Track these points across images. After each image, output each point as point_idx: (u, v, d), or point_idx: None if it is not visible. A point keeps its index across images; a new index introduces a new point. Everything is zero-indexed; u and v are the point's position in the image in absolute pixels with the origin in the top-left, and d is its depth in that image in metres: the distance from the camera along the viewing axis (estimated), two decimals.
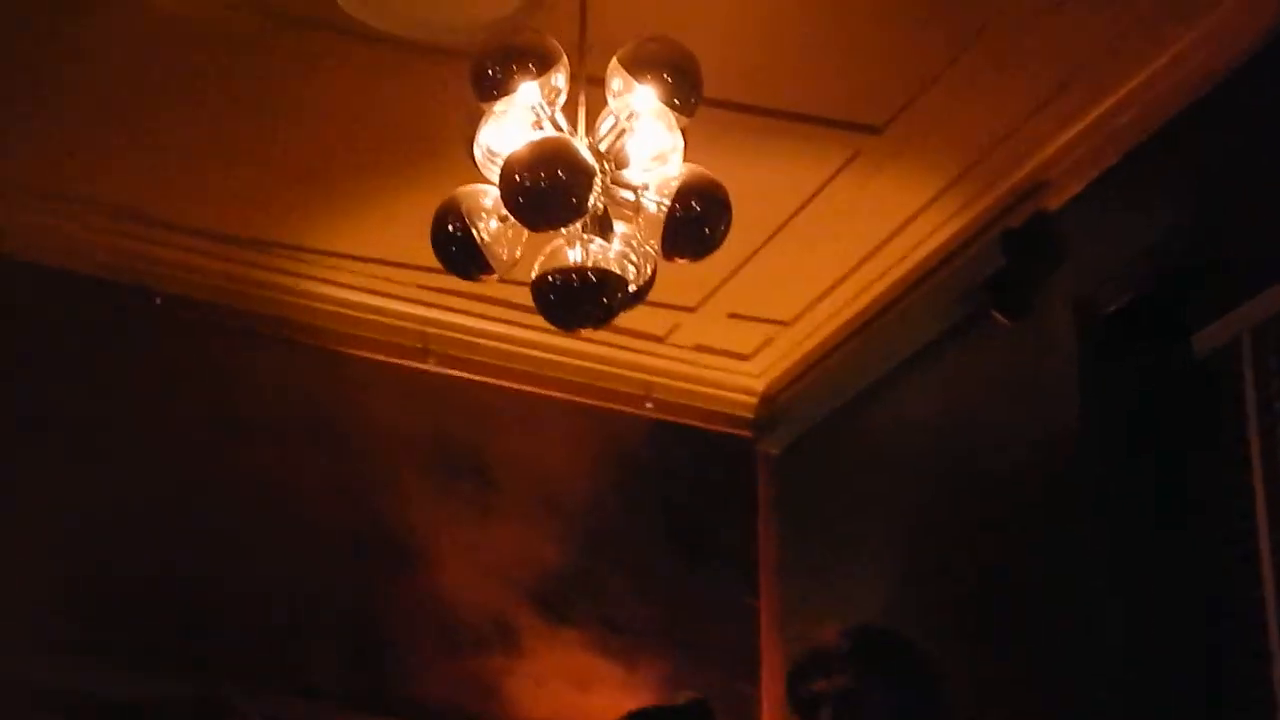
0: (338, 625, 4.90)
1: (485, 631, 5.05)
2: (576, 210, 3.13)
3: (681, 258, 3.28)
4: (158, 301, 4.97)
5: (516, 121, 3.22)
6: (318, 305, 5.13)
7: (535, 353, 5.34)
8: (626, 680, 5.07)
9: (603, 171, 3.18)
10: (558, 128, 3.23)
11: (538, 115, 3.20)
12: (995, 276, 4.50)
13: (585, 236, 3.25)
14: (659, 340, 5.41)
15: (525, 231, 3.27)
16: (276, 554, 4.87)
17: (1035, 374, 4.42)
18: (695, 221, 3.19)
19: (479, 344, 5.30)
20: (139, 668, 4.53)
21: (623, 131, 3.21)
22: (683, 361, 5.52)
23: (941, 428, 4.83)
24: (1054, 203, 4.42)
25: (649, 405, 5.53)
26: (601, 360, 5.44)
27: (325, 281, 5.11)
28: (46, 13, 4.05)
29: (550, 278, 3.26)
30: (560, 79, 3.20)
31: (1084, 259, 4.29)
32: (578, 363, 5.42)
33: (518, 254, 3.35)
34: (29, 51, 4.17)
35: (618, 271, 3.28)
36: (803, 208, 4.69)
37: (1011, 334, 4.48)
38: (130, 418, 4.85)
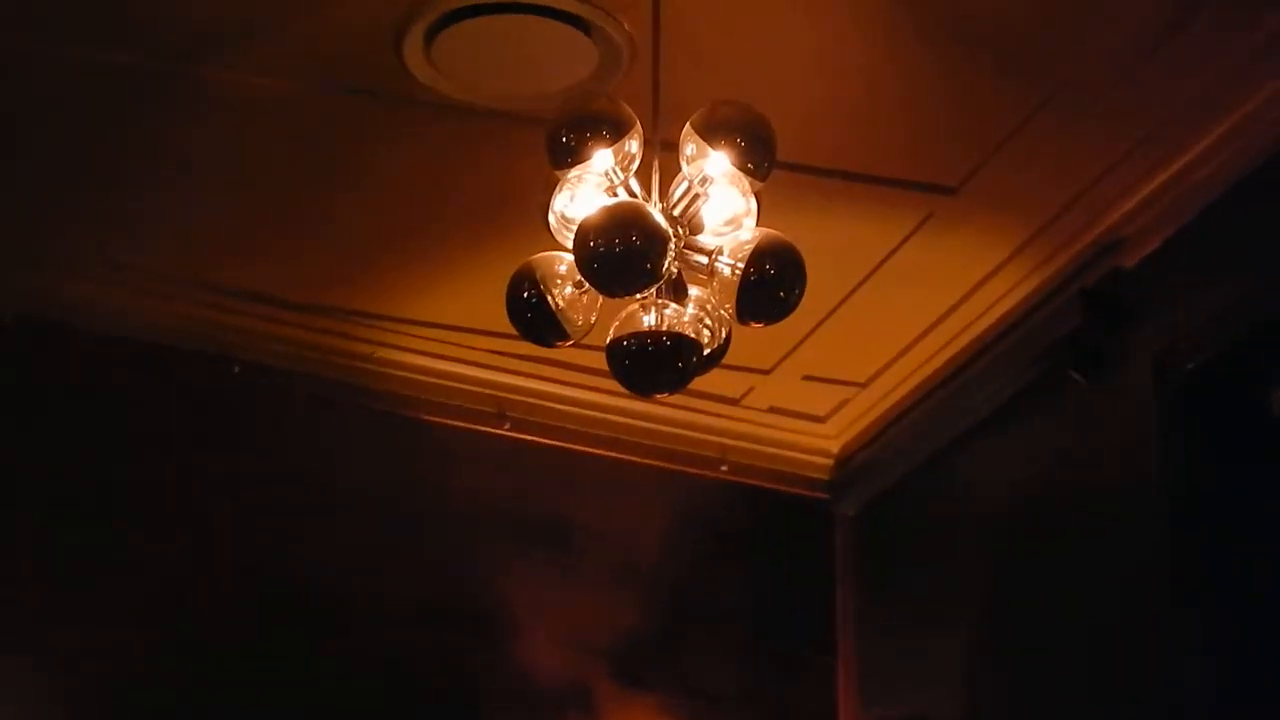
0: (420, 691, 4.90)
1: (563, 696, 5.05)
2: (651, 275, 3.13)
3: (756, 321, 3.27)
4: (236, 370, 5.01)
5: (590, 188, 3.23)
6: (395, 372, 5.16)
7: (611, 417, 5.36)
8: None
9: (677, 236, 3.19)
10: (631, 193, 3.24)
11: (611, 181, 3.21)
12: (1072, 336, 4.49)
13: (660, 301, 3.26)
14: (734, 403, 5.42)
15: (600, 297, 3.29)
16: (357, 622, 4.89)
17: (1113, 433, 4.39)
18: (769, 285, 3.19)
19: (555, 409, 5.32)
20: None
21: (696, 196, 3.22)
22: (758, 424, 5.52)
23: (1018, 488, 4.81)
24: (1130, 260, 4.40)
25: (724, 468, 5.53)
26: (677, 424, 5.45)
27: (402, 349, 5.14)
28: (133, 96, 4.10)
29: (625, 343, 3.26)
30: (634, 145, 3.21)
31: (1161, 317, 4.27)
32: (654, 426, 5.43)
33: (593, 319, 3.36)
34: (106, 130, 4.23)
35: (692, 336, 3.28)
36: (877, 269, 4.69)
37: (1088, 393, 4.47)
38: (207, 487, 4.88)
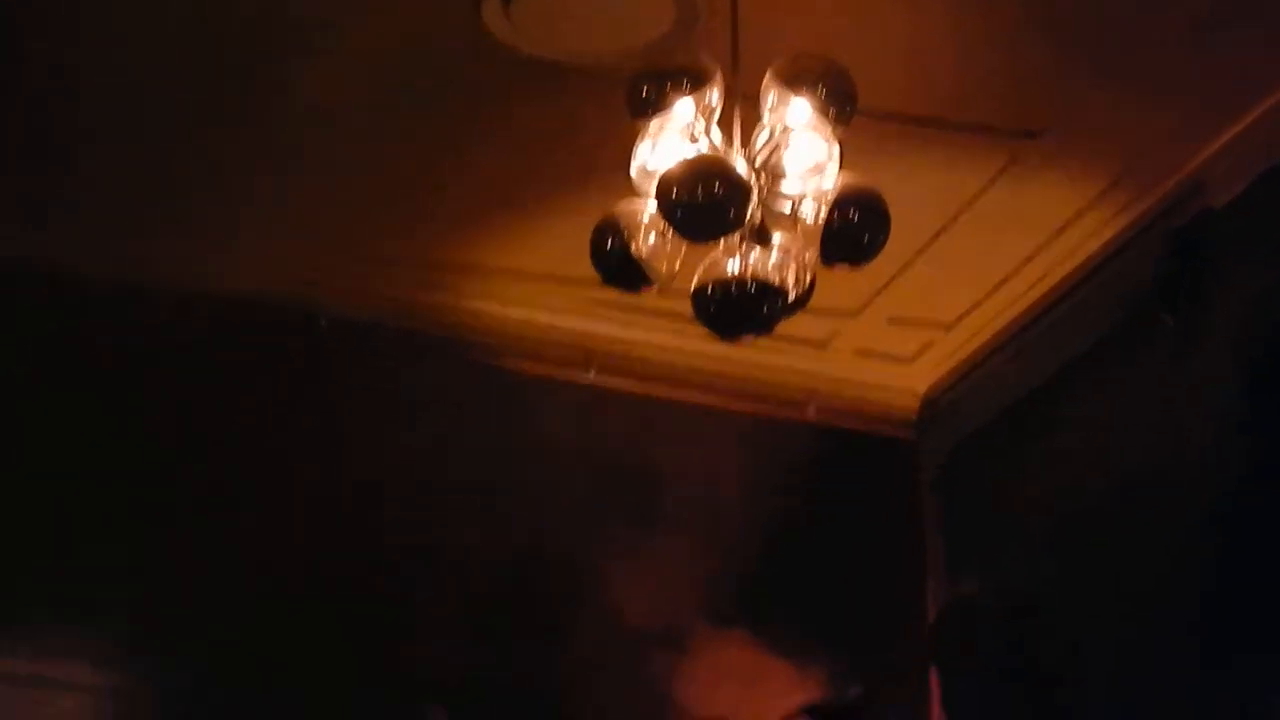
0: (511, 637, 4.96)
1: (653, 637, 5.08)
2: (733, 224, 3.16)
3: (840, 265, 3.29)
4: (323, 324, 5.06)
5: (672, 138, 3.26)
6: (482, 323, 5.19)
7: (697, 362, 5.37)
8: (795, 679, 5.07)
9: (759, 185, 3.21)
10: (713, 143, 3.26)
11: (693, 132, 3.24)
12: (1159, 278, 4.47)
13: (744, 247, 3.28)
14: (820, 346, 5.42)
15: (683, 244, 3.31)
16: (445, 571, 4.94)
17: (1202, 375, 4.37)
18: (853, 230, 3.21)
19: (641, 355, 5.34)
20: (320, 680, 4.62)
21: (778, 145, 3.23)
22: (844, 367, 5.52)
23: (1104, 430, 4.79)
24: (1219, 201, 4.37)
25: (810, 411, 5.54)
26: (763, 368, 5.46)
27: (489, 299, 5.17)
28: (241, 46, 4.15)
29: (710, 289, 3.29)
30: (714, 96, 3.23)
31: (1251, 257, 4.24)
32: (739, 371, 5.44)
33: (677, 266, 3.39)
34: (218, 83, 4.28)
35: (776, 281, 3.30)
36: (961, 213, 4.68)
37: (1177, 336, 4.44)
38: (293, 442, 4.93)
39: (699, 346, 5.25)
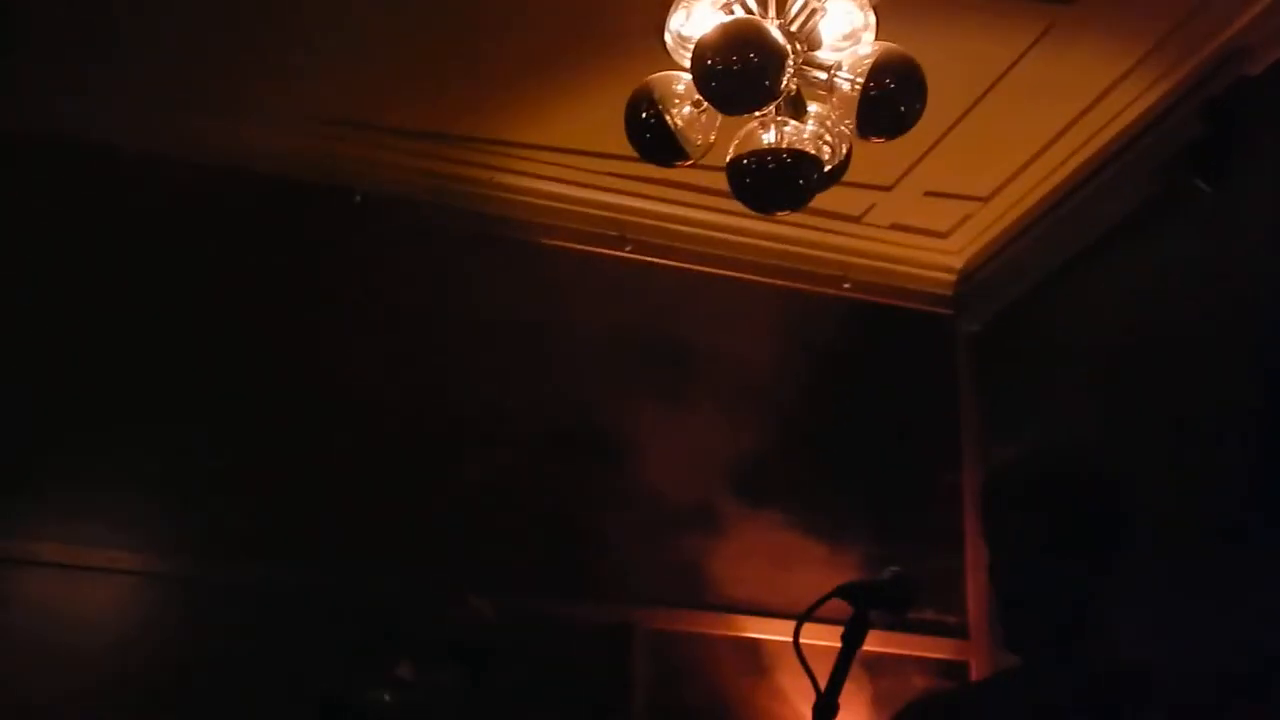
0: (544, 515, 4.96)
1: (687, 515, 5.10)
2: (769, 93, 3.14)
3: (876, 136, 3.27)
4: (357, 200, 5.05)
5: (707, 6, 3.23)
6: (515, 198, 5.17)
7: (732, 237, 5.35)
8: (829, 559, 5.10)
9: (795, 53, 3.18)
10: (748, 10, 3.23)
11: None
12: (1196, 145, 4.43)
13: (779, 119, 3.26)
14: (855, 220, 5.40)
15: (719, 116, 3.29)
16: (480, 447, 4.95)
17: (1239, 241, 4.34)
18: (889, 99, 3.19)
19: (675, 230, 5.33)
20: (362, 561, 4.66)
21: (814, 11, 3.21)
22: (879, 241, 5.50)
23: (1144, 300, 4.77)
24: (1256, 68, 4.32)
25: (846, 286, 5.52)
26: (798, 242, 5.44)
27: (522, 174, 5.15)
28: None
29: (745, 161, 3.28)
30: None
31: None
32: (774, 245, 5.43)
33: (711, 138, 3.37)
34: None
35: (812, 152, 3.29)
36: (997, 82, 4.64)
37: (1214, 203, 4.41)
38: (328, 317, 4.91)
39: (734, 221, 5.24)
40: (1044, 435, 4.91)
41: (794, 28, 3.21)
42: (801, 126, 3.33)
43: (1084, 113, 4.76)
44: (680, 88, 3.30)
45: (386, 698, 3.40)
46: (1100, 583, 2.81)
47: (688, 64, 3.19)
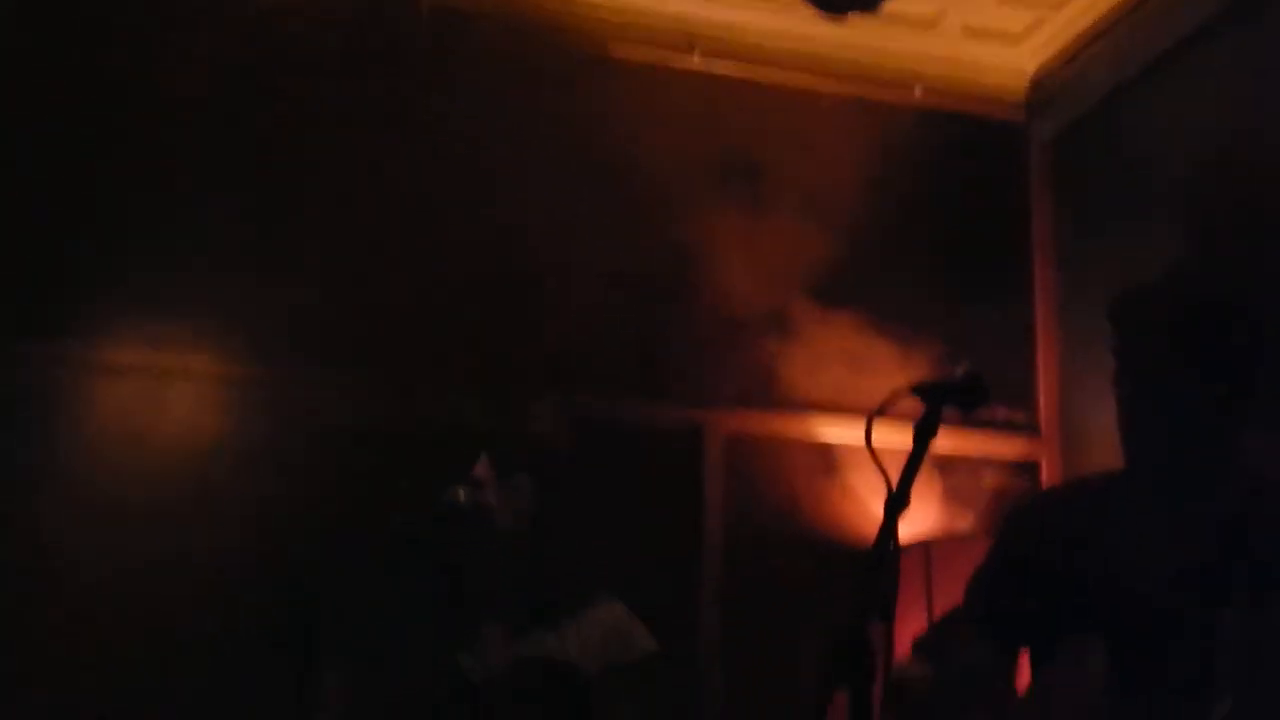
0: (626, 325, 4.99)
1: (761, 321, 5.12)
2: None
3: None
4: (424, 10, 5.01)
5: None
6: (580, 7, 5.13)
7: (803, 45, 5.32)
8: (900, 361, 5.11)
9: None
10: None
11: None
12: None
13: None
14: (928, 26, 5.36)
15: None
16: (554, 272, 4.93)
17: None
18: None
19: (746, 38, 5.29)
20: (441, 374, 4.73)
21: None
22: (952, 46, 5.45)
23: (1221, 109, 4.71)
24: None
25: (918, 92, 5.49)
26: (869, 49, 5.39)
27: None
28: None
29: None
30: None
31: None
32: (845, 53, 5.38)
33: None
34: None
35: None
36: None
37: None
38: (403, 130, 4.89)
39: (804, 28, 5.20)
40: (1123, 252, 4.86)
41: None
42: None
43: None
44: None
45: (462, 496, 3.47)
46: (1242, 406, 2.81)
47: None
